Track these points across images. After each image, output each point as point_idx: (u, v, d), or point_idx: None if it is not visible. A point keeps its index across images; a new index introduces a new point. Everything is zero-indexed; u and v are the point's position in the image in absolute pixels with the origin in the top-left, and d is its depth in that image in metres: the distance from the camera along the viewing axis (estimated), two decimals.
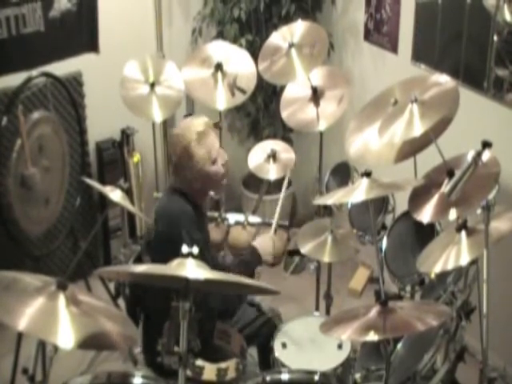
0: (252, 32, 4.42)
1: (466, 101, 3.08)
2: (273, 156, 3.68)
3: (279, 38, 3.63)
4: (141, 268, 2.34)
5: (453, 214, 2.69)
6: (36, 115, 3.78)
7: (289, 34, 3.59)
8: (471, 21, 3.58)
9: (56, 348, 2.10)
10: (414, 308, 2.45)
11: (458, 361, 2.88)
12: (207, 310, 2.88)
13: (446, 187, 2.75)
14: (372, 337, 2.24)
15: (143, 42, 4.45)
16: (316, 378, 2.67)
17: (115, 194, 2.89)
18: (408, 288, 3.23)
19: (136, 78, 3.81)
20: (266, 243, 3.17)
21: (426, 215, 2.81)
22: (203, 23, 4.53)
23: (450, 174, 2.76)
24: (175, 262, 2.18)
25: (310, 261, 3.71)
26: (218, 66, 3.75)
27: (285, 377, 2.70)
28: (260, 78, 3.74)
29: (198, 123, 2.96)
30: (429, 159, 2.98)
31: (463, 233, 2.50)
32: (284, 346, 3.01)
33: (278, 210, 3.46)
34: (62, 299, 2.03)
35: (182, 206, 2.94)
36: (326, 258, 3.24)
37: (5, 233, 3.70)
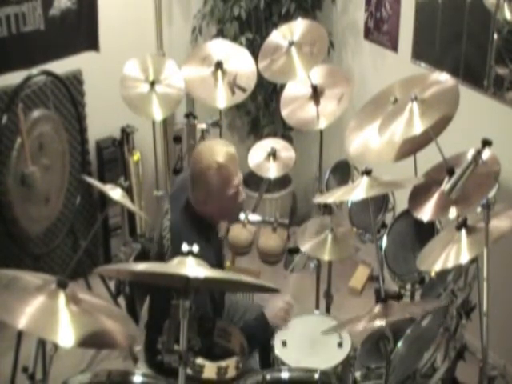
0: (252, 30, 4.42)
1: (466, 99, 3.08)
2: (273, 154, 3.68)
3: (279, 36, 3.63)
4: (141, 266, 2.34)
5: (453, 212, 2.70)
6: (36, 113, 3.78)
7: (289, 33, 3.60)
8: (471, 19, 3.58)
9: (56, 346, 2.09)
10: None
11: (457, 359, 2.88)
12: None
13: (446, 185, 2.76)
14: (378, 323, 2.26)
15: (143, 41, 4.45)
16: (316, 376, 2.66)
17: (115, 193, 2.90)
18: (408, 286, 3.24)
19: (136, 76, 3.81)
20: (274, 309, 3.05)
21: (426, 213, 2.81)
22: (203, 21, 4.53)
23: (450, 173, 2.77)
24: (175, 261, 2.18)
25: (310, 259, 3.70)
26: (218, 65, 3.75)
27: (285, 375, 2.70)
28: (260, 77, 3.74)
29: (221, 152, 2.87)
30: (429, 157, 2.98)
31: (463, 231, 2.50)
32: (284, 344, 3.01)
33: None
34: (62, 298, 2.03)
35: (199, 239, 2.78)
36: (326, 257, 3.24)
37: (5, 231, 3.70)
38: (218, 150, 2.89)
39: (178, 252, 2.76)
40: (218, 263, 2.98)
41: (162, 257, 2.93)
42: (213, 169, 2.84)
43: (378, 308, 2.40)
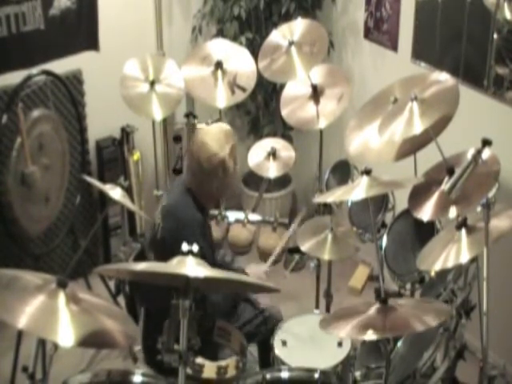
0: (252, 30, 4.42)
1: (466, 99, 3.08)
2: (273, 154, 3.68)
3: (279, 36, 3.63)
4: (141, 266, 2.34)
5: (453, 211, 2.69)
6: (36, 113, 3.78)
7: (289, 32, 3.59)
8: (471, 19, 3.58)
9: (56, 346, 2.10)
10: (414, 306, 2.44)
11: (457, 359, 2.88)
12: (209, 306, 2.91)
13: (445, 185, 2.75)
14: (370, 336, 2.24)
15: (143, 40, 4.45)
16: (316, 375, 2.67)
17: (115, 192, 2.90)
18: (408, 286, 3.24)
19: (136, 76, 3.81)
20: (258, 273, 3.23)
21: (426, 213, 2.81)
22: (203, 21, 4.53)
23: (450, 172, 2.76)
24: (175, 260, 2.18)
25: (310, 259, 3.71)
26: (218, 64, 3.75)
27: (285, 375, 2.70)
28: (260, 76, 3.74)
29: (229, 134, 3.02)
30: (429, 157, 2.98)
31: (463, 231, 2.50)
32: (284, 343, 3.01)
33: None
34: (62, 297, 2.03)
35: (194, 213, 2.98)
36: (326, 256, 3.24)
37: (5, 231, 3.70)
38: (221, 135, 3.00)
39: (168, 225, 2.85)
40: (210, 240, 3.10)
41: (154, 241, 2.98)
42: (227, 155, 2.95)
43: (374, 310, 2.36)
